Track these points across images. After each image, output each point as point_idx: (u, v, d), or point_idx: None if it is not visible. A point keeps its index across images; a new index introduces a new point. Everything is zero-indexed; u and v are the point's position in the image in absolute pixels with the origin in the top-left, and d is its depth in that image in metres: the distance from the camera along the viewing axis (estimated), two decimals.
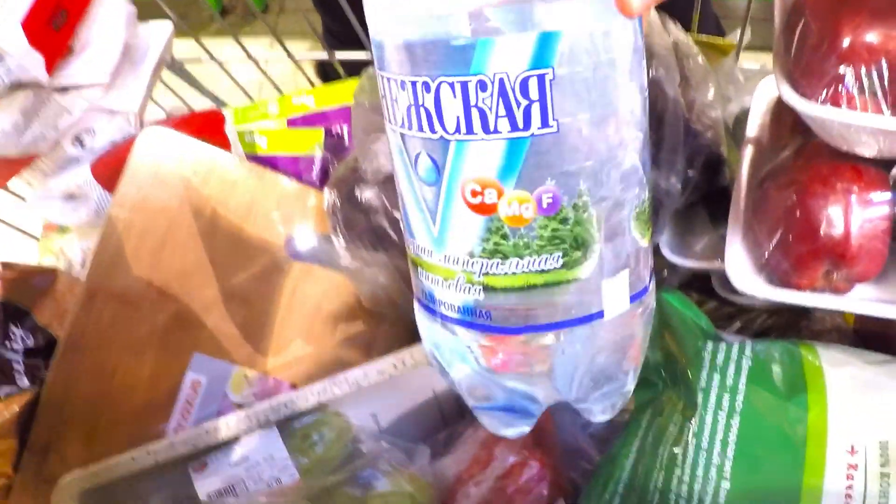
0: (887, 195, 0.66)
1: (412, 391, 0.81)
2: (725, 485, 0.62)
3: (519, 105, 0.39)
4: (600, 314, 0.45)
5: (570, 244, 0.42)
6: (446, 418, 0.83)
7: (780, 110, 0.78)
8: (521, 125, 0.40)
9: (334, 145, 0.87)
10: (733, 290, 0.81)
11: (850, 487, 0.60)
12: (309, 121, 0.89)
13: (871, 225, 0.66)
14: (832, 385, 0.66)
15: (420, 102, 0.41)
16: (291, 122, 0.89)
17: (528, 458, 0.74)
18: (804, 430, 0.63)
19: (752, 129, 0.78)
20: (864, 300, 0.70)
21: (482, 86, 0.39)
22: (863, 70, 0.62)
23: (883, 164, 0.67)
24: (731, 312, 0.89)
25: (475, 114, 0.40)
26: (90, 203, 0.93)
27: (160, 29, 0.94)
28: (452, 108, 0.40)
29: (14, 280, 0.86)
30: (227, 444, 0.76)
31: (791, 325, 0.91)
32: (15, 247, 1.03)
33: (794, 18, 0.67)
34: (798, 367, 0.68)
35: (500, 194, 0.41)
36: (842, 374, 0.67)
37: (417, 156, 0.43)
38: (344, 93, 0.89)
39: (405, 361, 0.74)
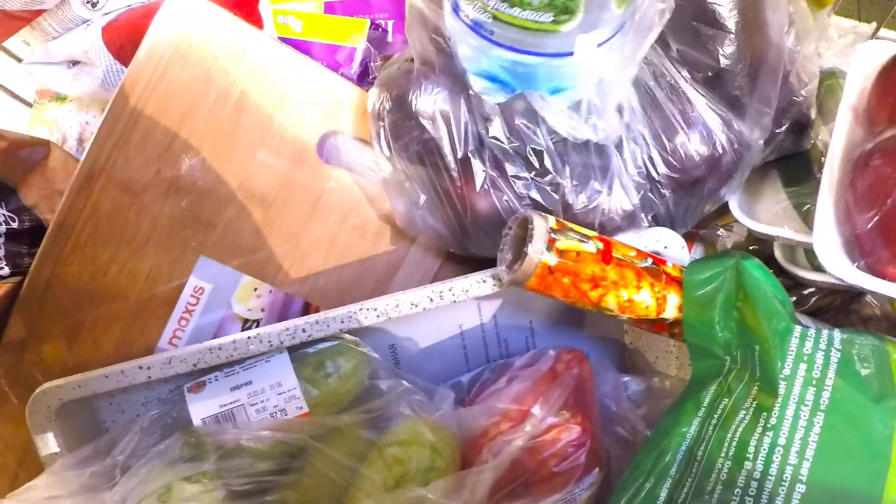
0: None
1: (437, 326, 0.73)
2: (801, 487, 0.56)
3: None
4: (570, 54, 0.60)
5: (560, 10, 0.57)
6: (469, 358, 0.75)
7: (886, 81, 0.69)
8: None
9: (378, 39, 0.77)
10: (797, 263, 0.74)
11: None
12: (350, 8, 0.78)
13: None
14: None
15: None
16: (329, 8, 0.78)
17: (568, 421, 0.66)
18: (890, 437, 0.57)
19: (851, 96, 0.70)
20: None
21: None
22: None
23: None
24: (787, 285, 0.82)
25: None
26: (96, 72, 0.83)
27: None
28: None
29: (3, 151, 0.76)
30: (230, 364, 0.67)
31: (843, 307, 0.84)
32: (2, 113, 0.92)
33: None
34: (887, 368, 0.60)
35: None
36: None
37: None
38: None
39: (443, 294, 0.66)
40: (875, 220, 0.63)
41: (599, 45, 0.61)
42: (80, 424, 0.70)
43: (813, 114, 0.74)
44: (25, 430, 0.71)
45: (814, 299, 0.81)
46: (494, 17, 0.59)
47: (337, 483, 0.64)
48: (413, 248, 0.74)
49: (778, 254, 0.76)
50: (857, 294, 0.81)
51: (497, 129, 0.65)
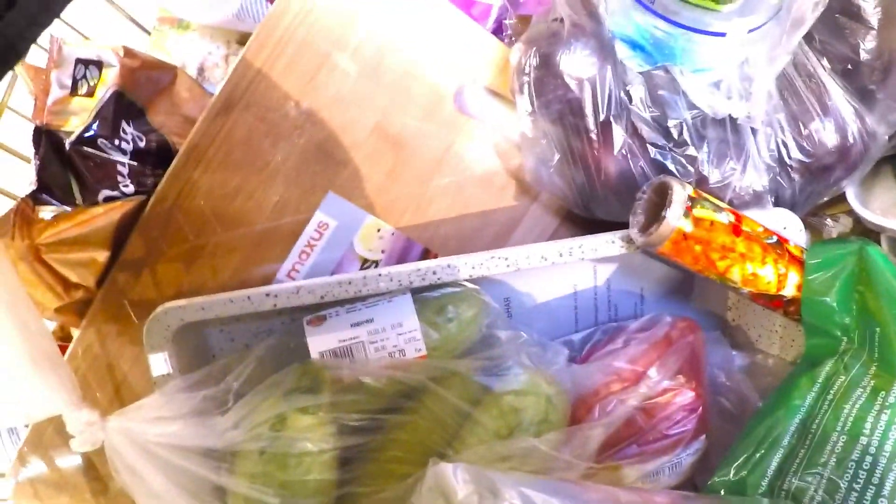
0: None
1: (552, 284, 0.75)
2: None
3: None
4: (723, 34, 0.62)
5: None
6: (579, 319, 0.76)
7: None
8: None
9: None
10: None
11: None
12: None
13: None
14: None
15: None
16: None
17: (683, 385, 0.67)
18: None
19: None
20: None
21: None
22: None
23: None
24: None
25: None
26: (233, 2, 0.84)
27: None
28: None
29: (134, 70, 0.77)
30: (353, 301, 0.68)
31: None
32: (121, 38, 0.92)
33: None
34: None
35: None
36: None
37: None
38: None
39: (572, 251, 0.67)
40: None
41: (751, 30, 0.62)
42: (191, 349, 0.71)
43: None
44: (128, 353, 0.72)
45: None
46: None
47: (449, 426, 0.66)
48: (535, 205, 0.75)
49: (884, 246, 0.77)
50: None
51: (639, 96, 0.66)
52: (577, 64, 0.67)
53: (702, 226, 0.63)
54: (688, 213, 0.62)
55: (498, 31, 0.78)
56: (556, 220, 0.76)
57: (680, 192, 0.62)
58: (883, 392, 0.60)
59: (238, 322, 0.72)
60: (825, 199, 0.74)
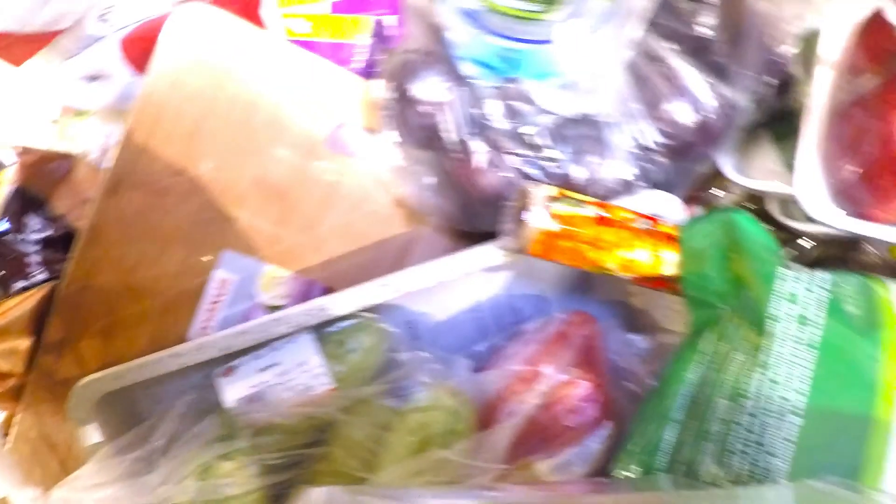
0: None
1: (452, 298, 0.77)
2: (797, 420, 0.60)
3: None
4: (548, 41, 0.67)
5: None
6: (484, 329, 0.79)
7: (864, 35, 0.73)
8: None
9: (382, 34, 0.81)
10: (791, 216, 0.78)
11: None
12: (354, 5, 0.83)
13: None
14: None
15: None
16: (336, 7, 0.83)
17: (578, 377, 0.70)
18: (877, 367, 0.61)
19: (828, 49, 0.73)
20: None
21: None
22: None
23: None
24: (783, 239, 0.85)
25: None
26: (116, 85, 0.87)
27: None
28: None
29: (32, 165, 0.81)
30: (258, 348, 0.71)
31: (842, 256, 0.88)
32: (28, 131, 0.96)
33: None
34: (873, 303, 0.64)
35: None
36: None
37: None
38: None
39: (452, 268, 0.70)
40: (857, 166, 0.66)
41: (583, 33, 0.65)
42: (119, 416, 0.74)
43: (797, 72, 0.78)
44: (66, 429, 0.76)
45: (813, 250, 0.84)
46: (485, 5, 0.64)
47: (365, 452, 0.68)
48: (426, 229, 0.78)
49: (772, 208, 0.79)
50: (855, 243, 0.84)
51: (494, 110, 0.69)
52: (432, 90, 0.70)
53: (565, 222, 0.65)
54: (548, 212, 0.65)
55: (371, 67, 0.81)
56: (451, 238, 0.78)
57: (537, 195, 0.65)
58: (755, 351, 0.62)
59: (159, 383, 0.75)
60: (700, 173, 0.77)
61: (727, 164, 0.78)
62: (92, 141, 0.92)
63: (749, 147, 0.81)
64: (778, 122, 0.80)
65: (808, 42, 0.79)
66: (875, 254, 0.85)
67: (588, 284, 0.80)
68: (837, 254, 0.86)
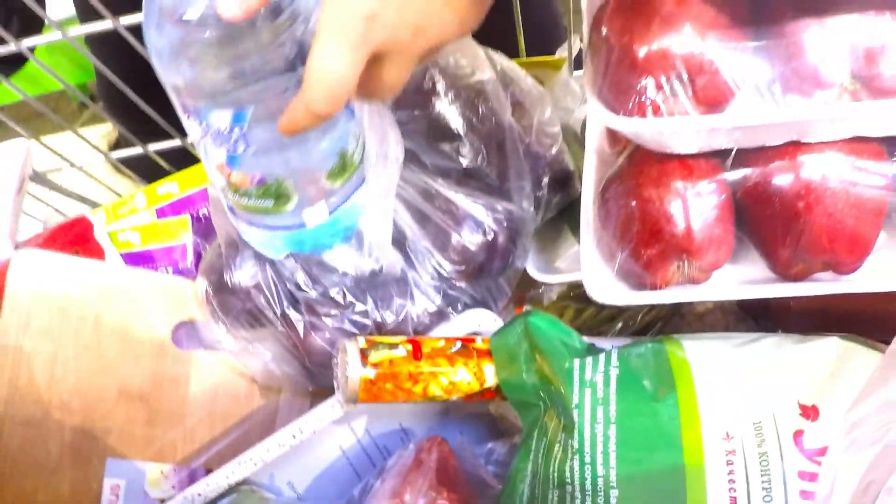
0: (719, 181, 0.70)
1: (321, 452, 0.84)
2: (615, 493, 0.65)
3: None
4: (303, 225, 0.72)
5: (276, 196, 0.69)
6: (359, 472, 0.85)
7: None
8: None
9: (203, 228, 0.90)
10: None
11: (731, 472, 0.63)
12: (176, 208, 0.91)
13: (710, 214, 0.70)
14: (700, 377, 0.69)
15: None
16: (160, 212, 0.91)
17: (436, 498, 0.76)
18: (678, 426, 0.66)
19: (592, 137, 0.79)
20: (723, 285, 0.75)
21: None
22: (662, 78, 0.65)
23: (712, 152, 0.70)
24: (612, 314, 0.93)
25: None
26: None
27: (16, 148, 0.96)
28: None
29: None
30: None
31: (674, 312, 0.95)
32: None
33: (596, 37, 0.71)
34: (665, 366, 0.70)
35: (229, 174, 0.68)
36: (709, 363, 0.70)
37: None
38: (205, 174, 0.92)
39: (302, 429, 0.77)
40: (625, 244, 0.73)
41: (333, 210, 0.73)
42: None
43: (571, 165, 0.86)
44: None
45: (639, 317, 0.92)
46: (235, 204, 0.72)
47: None
48: (282, 397, 0.86)
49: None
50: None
51: (300, 281, 0.77)
52: (241, 276, 0.78)
53: (382, 367, 0.72)
54: (365, 362, 0.72)
55: (199, 261, 0.89)
56: (307, 400, 0.86)
57: (352, 348, 0.72)
58: (570, 440, 0.69)
59: None
60: (510, 282, 0.85)
61: (530, 265, 0.85)
62: None
63: (553, 241, 0.89)
64: (569, 213, 0.88)
65: (577, 134, 0.87)
66: (708, 301, 0.93)
67: (442, 407, 0.87)
68: (668, 312, 0.94)
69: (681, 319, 0.94)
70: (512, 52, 0.90)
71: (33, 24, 1.13)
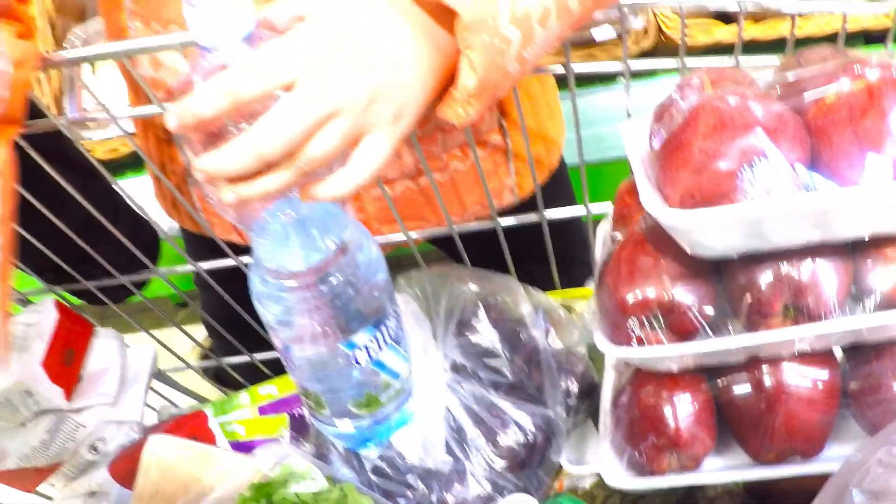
0: (701, 391, 0.90)
1: None
2: None
3: None
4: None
5: (315, 403, 0.93)
6: None
7: None
8: None
9: (297, 425, 1.10)
10: None
11: None
12: (276, 407, 1.12)
13: (692, 418, 0.89)
14: None
15: None
16: (262, 410, 1.12)
17: None
18: None
19: (611, 359, 1.02)
20: (711, 471, 0.94)
21: None
22: (643, 317, 0.87)
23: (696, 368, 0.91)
24: (633, 499, 1.11)
25: None
26: (110, 498, 1.15)
27: (145, 352, 1.20)
28: None
29: None
30: None
31: (688, 497, 1.12)
32: None
33: (600, 286, 0.93)
34: None
35: None
36: None
37: None
38: None
39: None
40: (630, 442, 0.93)
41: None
42: None
43: (596, 378, 1.07)
44: None
45: (656, 501, 1.10)
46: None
47: None
48: None
49: None
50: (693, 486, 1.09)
51: (373, 465, 0.98)
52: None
53: None
54: None
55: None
56: None
57: None
58: None
59: None
60: (550, 473, 1.04)
61: (563, 458, 1.05)
62: None
63: (584, 436, 1.09)
64: (595, 414, 1.08)
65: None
66: (718, 486, 1.10)
67: None
68: (681, 498, 1.12)
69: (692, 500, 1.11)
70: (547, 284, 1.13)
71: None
